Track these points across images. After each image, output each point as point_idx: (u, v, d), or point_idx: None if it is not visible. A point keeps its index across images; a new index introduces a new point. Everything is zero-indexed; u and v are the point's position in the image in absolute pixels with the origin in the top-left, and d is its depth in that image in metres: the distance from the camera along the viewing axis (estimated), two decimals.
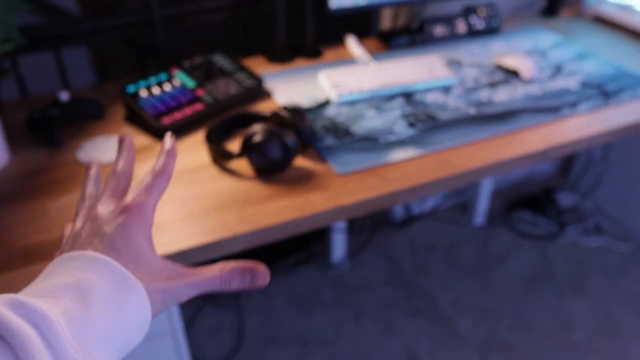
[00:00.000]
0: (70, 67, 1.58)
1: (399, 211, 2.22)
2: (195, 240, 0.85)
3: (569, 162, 2.43)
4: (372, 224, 2.18)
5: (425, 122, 1.15)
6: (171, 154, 0.45)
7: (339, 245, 2.00)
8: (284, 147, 0.95)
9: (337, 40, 1.53)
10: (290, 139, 0.96)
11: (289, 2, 1.40)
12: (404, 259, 2.05)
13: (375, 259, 2.05)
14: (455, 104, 1.22)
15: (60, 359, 0.32)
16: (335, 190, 0.95)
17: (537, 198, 2.30)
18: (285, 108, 1.02)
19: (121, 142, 0.47)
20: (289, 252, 2.03)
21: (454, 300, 1.89)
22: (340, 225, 1.95)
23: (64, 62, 1.48)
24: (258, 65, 1.38)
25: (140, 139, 1.10)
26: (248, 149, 0.96)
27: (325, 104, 1.21)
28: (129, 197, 0.43)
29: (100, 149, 1.06)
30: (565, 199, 2.31)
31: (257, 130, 0.96)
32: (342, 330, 1.79)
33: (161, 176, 0.44)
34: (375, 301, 1.88)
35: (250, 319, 1.81)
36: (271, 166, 0.97)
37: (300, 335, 1.77)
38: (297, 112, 1.01)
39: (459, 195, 2.31)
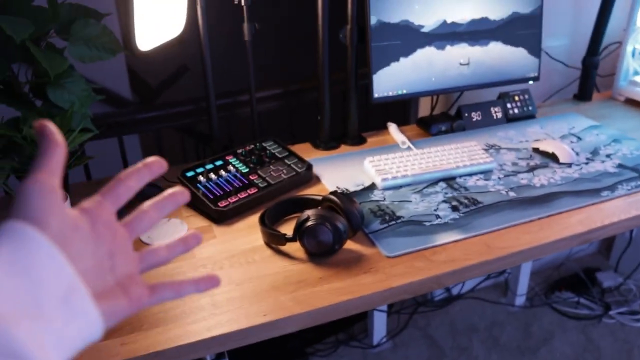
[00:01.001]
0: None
1: (438, 290, 2.22)
2: (252, 321, 0.89)
3: (610, 242, 2.42)
4: (412, 304, 2.18)
5: (468, 206, 1.20)
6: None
7: (379, 325, 2.00)
8: (335, 232, 1.00)
9: (378, 128, 1.61)
10: (341, 223, 1.01)
11: (334, 92, 1.49)
12: (444, 339, 2.04)
13: (415, 339, 2.04)
14: (495, 187, 1.27)
15: None
16: (384, 273, 1.00)
17: (578, 278, 2.28)
18: (335, 193, 1.08)
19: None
20: (331, 332, 2.04)
21: None
22: (381, 305, 1.97)
23: (125, 148, 1.59)
24: (305, 152, 1.46)
25: (198, 221, 1.17)
26: (301, 233, 1.01)
27: (370, 188, 1.27)
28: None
29: (160, 231, 1.13)
30: (607, 279, 2.28)
31: (310, 215, 1.02)
32: None
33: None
34: None
35: None
36: (323, 249, 1.02)
37: None
38: (346, 197, 1.07)
39: (498, 275, 2.30)
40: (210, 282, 0.52)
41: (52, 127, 0.43)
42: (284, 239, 1.04)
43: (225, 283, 0.98)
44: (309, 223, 1.01)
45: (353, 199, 1.08)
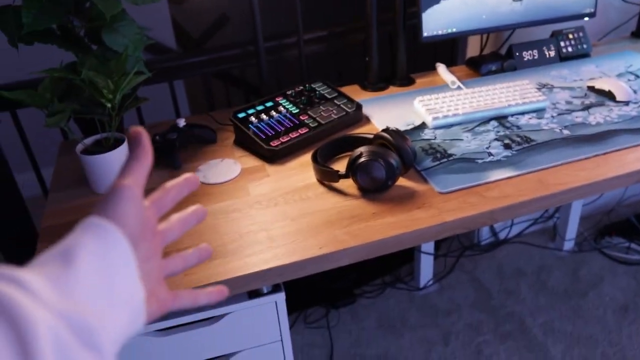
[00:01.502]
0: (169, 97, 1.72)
1: (485, 234, 2.22)
2: (308, 253, 0.92)
3: None
4: (458, 247, 2.19)
5: (521, 143, 1.18)
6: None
7: (426, 268, 2.02)
8: (388, 168, 1.01)
9: (427, 69, 1.59)
10: (393, 159, 1.02)
11: (380, 33, 1.47)
12: (491, 282, 2.05)
13: (462, 282, 2.06)
14: (549, 126, 1.25)
15: (44, 305, 0.36)
16: (437, 208, 1.00)
17: (630, 223, 2.24)
18: (387, 130, 1.09)
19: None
20: (377, 274, 2.08)
21: (545, 325, 1.86)
22: (427, 248, 1.98)
23: (176, 93, 1.61)
24: (353, 93, 1.46)
25: (251, 161, 1.20)
26: (354, 169, 1.03)
27: (421, 127, 1.27)
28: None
29: (215, 171, 1.16)
30: None
31: (363, 152, 1.02)
32: (431, 353, 1.80)
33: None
34: (463, 324, 1.89)
35: (340, 339, 1.86)
36: (376, 185, 1.03)
37: (389, 356, 1.80)
38: (398, 135, 1.07)
39: (546, 219, 2.28)
40: (220, 295, 0.57)
41: (145, 135, 0.49)
42: (337, 176, 1.05)
43: (280, 218, 1.01)
44: (362, 159, 1.02)
45: (405, 136, 1.08)
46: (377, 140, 1.09)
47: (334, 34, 1.61)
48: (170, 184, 0.53)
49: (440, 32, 1.45)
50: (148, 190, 0.50)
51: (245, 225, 0.99)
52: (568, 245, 2.18)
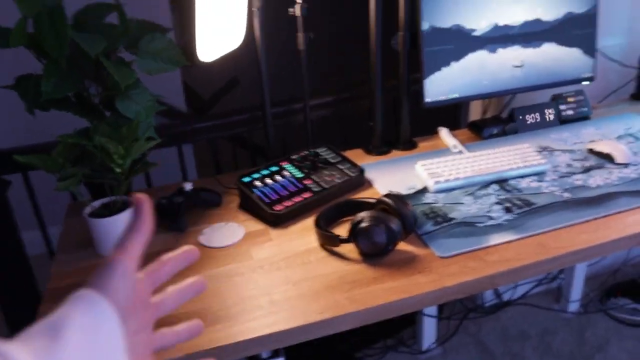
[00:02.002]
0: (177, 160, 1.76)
1: (489, 296, 2.20)
2: (308, 319, 0.92)
3: None
4: (462, 309, 2.17)
5: (521, 207, 1.20)
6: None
7: (429, 331, 2.00)
8: (389, 233, 1.03)
9: (429, 133, 1.62)
10: (394, 224, 1.04)
11: (385, 98, 1.52)
12: (495, 345, 2.02)
13: (466, 346, 2.03)
14: (549, 189, 1.27)
15: None
16: (438, 273, 1.01)
17: (636, 284, 2.22)
18: (389, 195, 1.11)
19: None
20: (379, 337, 2.05)
21: None
22: (430, 311, 1.97)
23: (184, 157, 1.65)
24: (357, 157, 1.49)
25: (255, 225, 1.22)
26: (355, 234, 1.04)
27: (422, 191, 1.29)
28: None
29: (219, 234, 1.18)
30: None
31: (364, 217, 1.04)
32: None
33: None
34: None
35: None
36: (377, 250, 1.04)
37: None
38: (400, 200, 1.10)
39: (551, 280, 2.27)
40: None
41: (147, 204, 0.50)
42: (339, 240, 1.07)
43: (282, 283, 1.02)
44: (364, 224, 1.03)
45: (406, 201, 1.10)
46: (379, 205, 1.12)
47: (340, 100, 1.67)
48: (168, 256, 0.54)
49: (442, 98, 1.50)
50: (151, 254, 0.51)
51: (248, 290, 1.01)
52: (573, 306, 2.16)
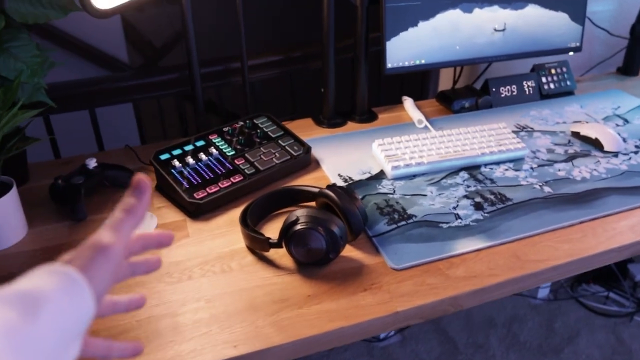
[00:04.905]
0: (117, 123, 1.50)
1: None
2: (220, 354, 0.71)
3: None
4: None
5: (494, 203, 0.99)
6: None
7: None
8: (330, 238, 0.81)
9: (393, 102, 1.40)
10: (337, 227, 0.82)
11: (340, 61, 1.28)
12: (459, 334, 1.86)
13: (426, 333, 1.87)
14: (527, 180, 1.07)
15: None
16: (389, 292, 0.81)
17: (608, 269, 2.07)
18: (333, 187, 0.89)
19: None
20: None
21: None
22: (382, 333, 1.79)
23: (113, 120, 1.40)
24: (305, 130, 1.26)
25: (171, 214, 0.99)
26: (287, 238, 0.83)
27: (378, 177, 1.08)
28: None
29: None
30: None
31: (300, 216, 0.82)
32: None
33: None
34: None
35: None
36: (314, 259, 0.83)
37: None
38: (346, 193, 0.88)
39: None
40: (134, 350, 0.54)
41: (148, 187, 0.48)
42: (268, 244, 0.85)
43: (192, 299, 0.80)
44: (298, 227, 0.81)
45: (354, 195, 0.89)
46: (320, 199, 0.90)
47: (289, 59, 1.42)
48: (150, 235, 0.53)
49: (406, 64, 1.27)
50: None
51: (147, 308, 0.78)
52: (543, 293, 2.01)
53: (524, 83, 1.42)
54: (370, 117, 1.32)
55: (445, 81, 1.55)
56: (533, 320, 1.91)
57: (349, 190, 0.89)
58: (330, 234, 0.81)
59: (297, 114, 1.35)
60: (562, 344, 1.82)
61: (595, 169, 1.11)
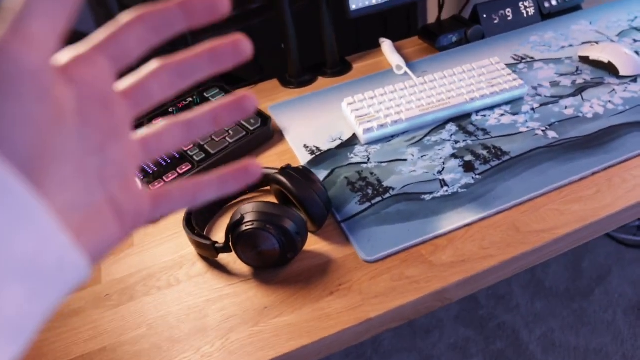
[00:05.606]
0: None
1: None
2: None
3: None
4: None
5: (488, 160, 0.83)
6: None
7: None
8: (284, 236, 0.67)
9: (372, 47, 1.22)
10: (291, 222, 0.68)
11: (300, 8, 1.10)
12: None
13: None
14: (528, 125, 0.90)
15: None
16: (360, 292, 0.67)
17: None
18: (285, 171, 0.74)
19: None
20: None
21: (544, 338, 1.55)
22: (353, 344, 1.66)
23: None
24: (270, 93, 1.10)
25: None
26: (234, 241, 0.69)
27: (350, 143, 0.92)
28: None
29: None
30: None
31: (245, 214, 0.68)
32: None
33: None
34: (445, 345, 1.58)
35: None
36: (268, 262, 0.69)
37: None
38: (302, 178, 0.73)
39: None
40: (247, 177, 0.31)
41: None
42: (215, 250, 0.71)
43: (132, 325, 0.68)
44: (243, 227, 0.67)
45: (312, 177, 0.74)
46: (273, 187, 0.75)
47: (245, 13, 1.24)
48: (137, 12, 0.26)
49: (373, 2, 1.08)
50: None
51: (81, 342, 0.66)
52: None
53: (520, 4, 1.22)
54: (343, 69, 1.15)
55: (433, 12, 1.36)
56: (557, 262, 1.76)
57: (306, 171, 0.74)
58: (282, 232, 0.67)
59: (265, 75, 1.18)
60: (592, 285, 1.67)
61: (609, 101, 0.94)
